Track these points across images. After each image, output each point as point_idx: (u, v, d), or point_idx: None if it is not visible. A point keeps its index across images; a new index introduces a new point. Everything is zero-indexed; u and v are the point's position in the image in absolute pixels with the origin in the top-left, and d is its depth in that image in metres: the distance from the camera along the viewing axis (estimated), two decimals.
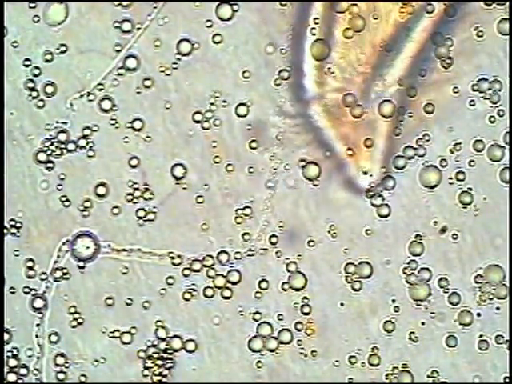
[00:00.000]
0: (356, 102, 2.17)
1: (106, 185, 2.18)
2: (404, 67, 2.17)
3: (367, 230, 2.20)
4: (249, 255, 2.19)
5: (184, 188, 2.19)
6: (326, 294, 2.21)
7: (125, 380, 2.20)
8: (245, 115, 2.17)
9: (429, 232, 2.21)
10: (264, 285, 2.20)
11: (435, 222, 2.21)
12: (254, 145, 2.17)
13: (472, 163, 2.20)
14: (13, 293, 2.17)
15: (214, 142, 2.18)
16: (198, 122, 2.18)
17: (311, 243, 2.20)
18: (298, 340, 2.20)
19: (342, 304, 2.20)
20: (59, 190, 2.18)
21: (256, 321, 2.20)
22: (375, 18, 2.14)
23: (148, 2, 2.15)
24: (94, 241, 2.18)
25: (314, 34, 2.15)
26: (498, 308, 2.20)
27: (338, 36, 2.15)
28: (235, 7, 2.15)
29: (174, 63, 2.17)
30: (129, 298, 2.19)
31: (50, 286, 2.18)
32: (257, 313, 2.19)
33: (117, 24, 2.15)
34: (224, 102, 2.17)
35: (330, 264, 2.21)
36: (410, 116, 2.18)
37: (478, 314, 2.20)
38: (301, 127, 2.16)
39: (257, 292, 2.20)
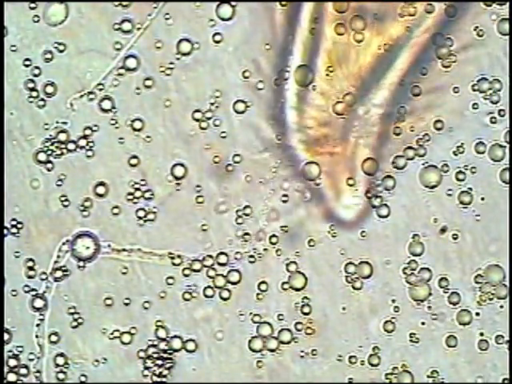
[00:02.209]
0: (355, 102, 2.17)
1: (106, 185, 2.18)
2: (388, 93, 2.18)
3: (365, 231, 2.20)
4: (250, 256, 2.19)
5: (177, 190, 2.19)
6: (326, 294, 2.21)
7: (125, 380, 2.20)
8: (243, 112, 2.18)
9: (429, 232, 2.21)
10: (264, 285, 2.20)
11: (435, 220, 2.21)
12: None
13: (473, 163, 2.20)
14: (13, 292, 2.17)
15: (207, 145, 2.18)
16: (197, 121, 2.18)
17: (311, 243, 2.20)
18: (295, 339, 2.20)
19: (343, 308, 2.21)
20: (59, 187, 2.18)
21: (255, 322, 2.20)
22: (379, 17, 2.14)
23: (148, 2, 2.15)
24: (94, 241, 2.18)
25: (313, 34, 2.15)
26: (501, 307, 2.20)
27: (320, 65, 2.15)
28: (232, 4, 2.16)
29: (174, 63, 2.17)
30: (129, 298, 2.19)
31: (50, 285, 2.18)
32: (257, 314, 2.19)
33: (117, 24, 2.15)
34: (224, 101, 2.18)
35: (330, 264, 2.21)
36: (412, 129, 2.19)
37: (477, 314, 2.20)
38: (282, 159, 2.17)
39: (257, 293, 2.20)
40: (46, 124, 2.16)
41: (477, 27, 2.17)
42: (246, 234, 2.19)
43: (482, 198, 2.20)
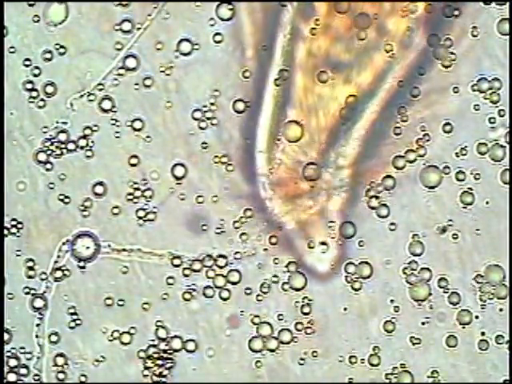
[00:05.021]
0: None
1: (106, 185, 2.18)
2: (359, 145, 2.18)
3: (363, 240, 2.20)
4: (250, 254, 2.19)
5: (170, 193, 2.19)
6: (326, 294, 2.21)
7: (125, 380, 2.20)
8: (242, 111, 2.18)
9: (429, 232, 2.21)
10: (264, 285, 2.19)
11: (435, 220, 2.21)
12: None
13: (473, 164, 2.20)
14: (12, 294, 2.17)
15: (205, 143, 2.18)
16: (197, 119, 2.18)
17: (311, 243, 2.20)
18: (295, 339, 2.20)
19: (345, 309, 2.21)
20: (59, 187, 2.18)
21: (255, 323, 2.19)
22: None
23: (148, 2, 2.15)
24: (94, 241, 2.18)
25: (313, 34, 2.15)
26: (501, 310, 2.20)
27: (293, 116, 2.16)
28: (231, 6, 2.16)
29: (174, 63, 2.17)
30: (127, 299, 2.19)
31: (50, 285, 2.18)
32: (256, 316, 2.19)
33: (117, 24, 2.15)
34: (224, 101, 2.18)
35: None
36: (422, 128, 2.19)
37: (476, 317, 2.20)
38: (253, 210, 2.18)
39: (258, 294, 2.20)
40: (46, 124, 2.16)
41: (476, 27, 2.17)
42: (244, 233, 2.19)
43: (487, 202, 2.20)
